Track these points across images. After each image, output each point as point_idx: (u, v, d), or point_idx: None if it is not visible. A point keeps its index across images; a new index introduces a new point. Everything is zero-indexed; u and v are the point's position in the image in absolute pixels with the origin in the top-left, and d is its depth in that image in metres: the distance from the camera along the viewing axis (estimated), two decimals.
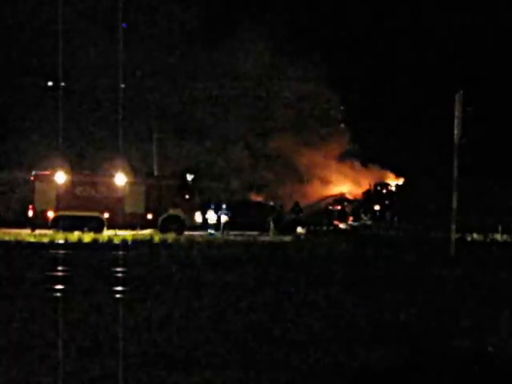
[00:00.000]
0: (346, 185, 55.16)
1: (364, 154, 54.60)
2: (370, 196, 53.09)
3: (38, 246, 28.01)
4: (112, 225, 37.29)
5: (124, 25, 42.55)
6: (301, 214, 44.27)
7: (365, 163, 55.78)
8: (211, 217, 40.66)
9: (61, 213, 37.13)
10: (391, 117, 49.64)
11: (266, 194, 50.61)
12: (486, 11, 49.46)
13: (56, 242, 30.41)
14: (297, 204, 44.84)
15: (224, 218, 41.17)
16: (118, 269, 20.70)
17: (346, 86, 48.96)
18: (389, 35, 50.17)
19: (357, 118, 49.96)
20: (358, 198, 53.57)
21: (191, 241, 31.26)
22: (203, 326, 13.09)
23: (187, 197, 39.24)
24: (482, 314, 14.62)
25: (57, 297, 15.71)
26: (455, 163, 29.19)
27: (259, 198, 50.03)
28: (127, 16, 43.80)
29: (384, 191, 53.98)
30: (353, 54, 50.32)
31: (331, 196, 52.64)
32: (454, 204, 29.17)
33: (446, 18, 49.69)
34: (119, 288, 17.13)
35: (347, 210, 50.72)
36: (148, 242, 30.85)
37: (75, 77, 46.39)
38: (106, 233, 36.09)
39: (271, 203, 46.88)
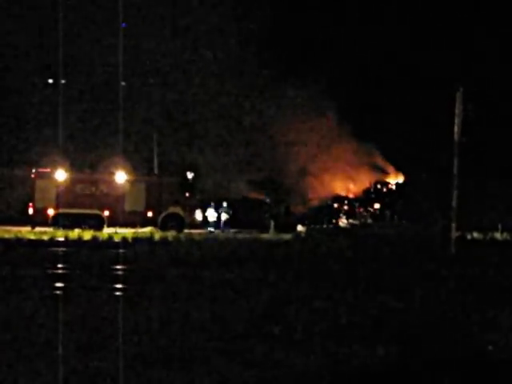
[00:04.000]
0: (345, 183, 54.86)
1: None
2: (370, 194, 53.11)
3: (38, 244, 28.06)
4: (112, 222, 37.33)
5: (123, 24, 42.52)
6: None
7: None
8: (211, 214, 40.71)
9: (61, 210, 37.17)
10: (391, 115, 49.53)
11: (265, 191, 50.46)
12: (488, 9, 49.46)
13: (56, 239, 30.44)
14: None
15: (224, 216, 41.23)
16: (118, 266, 20.75)
17: (344, 87, 48.65)
18: (388, 33, 50.05)
19: (357, 116, 49.72)
20: (358, 196, 53.52)
21: (191, 239, 31.29)
22: (202, 323, 13.10)
23: (187, 195, 39.28)
24: (480, 312, 14.64)
25: (57, 294, 15.72)
26: (456, 161, 29.20)
27: (260, 196, 49.93)
28: (133, 12, 44.00)
29: (384, 190, 54.00)
30: (351, 52, 50.15)
31: (329, 196, 52.30)
32: (454, 202, 29.18)
33: (446, 17, 49.68)
34: (119, 285, 17.16)
35: (347, 208, 50.76)
36: (148, 239, 30.87)
37: (76, 74, 46.38)
38: (106, 230, 36.13)
39: (267, 200, 46.88)
